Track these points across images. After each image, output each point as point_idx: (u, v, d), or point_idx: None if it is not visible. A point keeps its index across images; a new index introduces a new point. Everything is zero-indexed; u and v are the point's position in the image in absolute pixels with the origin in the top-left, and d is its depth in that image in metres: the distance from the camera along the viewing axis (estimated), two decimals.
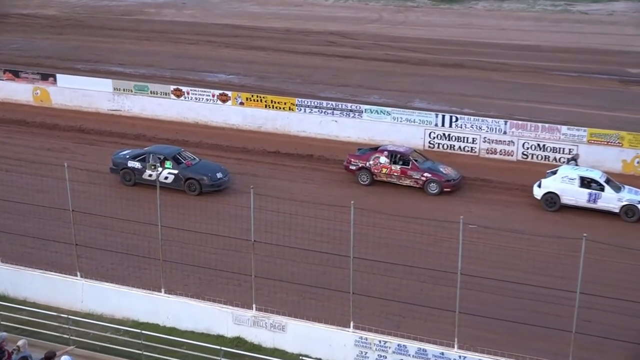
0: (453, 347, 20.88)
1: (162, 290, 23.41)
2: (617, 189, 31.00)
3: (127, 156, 33.71)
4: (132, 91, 43.57)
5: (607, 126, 37.90)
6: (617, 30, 68.97)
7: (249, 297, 22.62)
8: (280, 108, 40.84)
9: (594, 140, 35.85)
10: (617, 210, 30.51)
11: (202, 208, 30.79)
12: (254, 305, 22.49)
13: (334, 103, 40.54)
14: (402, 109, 40.14)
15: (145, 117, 42.69)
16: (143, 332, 21.71)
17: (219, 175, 32.96)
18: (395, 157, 33.65)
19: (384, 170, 33.60)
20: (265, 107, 41.10)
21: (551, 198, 31.30)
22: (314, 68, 53.98)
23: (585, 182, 31.06)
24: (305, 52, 58.77)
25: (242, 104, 41.60)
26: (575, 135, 36.17)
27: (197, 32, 65.29)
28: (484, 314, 22.39)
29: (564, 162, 35.21)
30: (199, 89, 43.12)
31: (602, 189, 30.71)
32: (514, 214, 31.23)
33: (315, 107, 40.26)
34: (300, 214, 28.02)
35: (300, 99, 40.97)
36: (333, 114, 39.92)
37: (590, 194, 30.76)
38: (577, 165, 33.60)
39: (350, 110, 39.81)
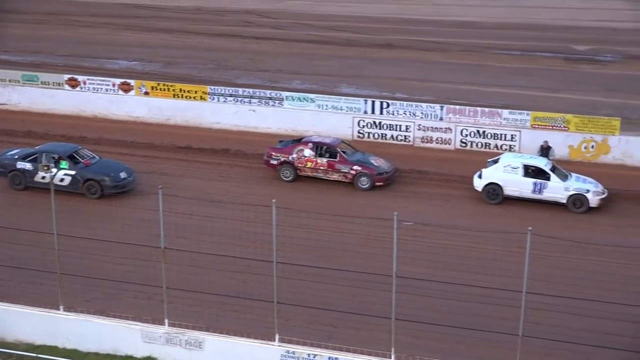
0: (390, 357, 21.13)
1: (61, 307, 23.10)
2: (564, 177, 31.81)
3: (16, 156, 33.17)
4: (19, 82, 42.91)
5: (552, 109, 38.83)
6: (562, 3, 70.46)
7: (160, 311, 22.50)
8: (190, 97, 40.71)
9: (538, 125, 36.70)
10: (564, 201, 31.31)
11: (104, 213, 30.51)
12: (166, 321, 22.39)
13: (251, 91, 40.61)
14: (327, 96, 40.47)
15: (36, 112, 42.05)
16: (39, 356, 21.43)
17: (122, 175, 32.67)
18: (321, 149, 33.88)
19: (309, 165, 33.80)
20: (174, 96, 40.92)
21: (493, 189, 31.93)
22: (228, 52, 53.95)
23: (530, 171, 31.77)
24: (219, 33, 58.69)
25: (147, 93, 41.33)
26: (518, 119, 36.98)
27: (93, 12, 64.53)
28: (424, 320, 22.72)
29: (506, 149, 35.96)
30: (97, 78, 42.71)
31: (548, 178, 31.48)
32: (454, 208, 31.76)
33: (231, 96, 40.25)
34: (217, 216, 27.97)
35: (213, 87, 40.92)
36: (250, 103, 39.98)
37: (535, 184, 31.49)
38: (551, 153, 34.35)
39: (270, 98, 39.93)
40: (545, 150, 34.59)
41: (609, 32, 62.52)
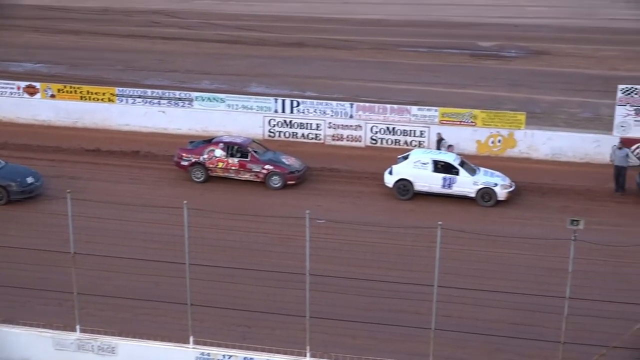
0: (305, 355, 21.10)
1: None
2: (472, 172, 32.29)
3: None
4: None
5: (459, 105, 39.42)
6: (467, 1, 71.61)
7: (71, 317, 22.02)
8: (98, 100, 40.09)
9: (446, 121, 37.16)
10: (473, 195, 31.79)
11: (11, 219, 29.78)
12: (77, 327, 21.93)
13: (160, 91, 40.19)
14: (237, 95, 40.33)
15: None
16: None
17: (29, 180, 31.94)
18: (232, 149, 33.70)
19: (220, 165, 33.58)
20: (81, 99, 40.26)
21: (404, 185, 32.22)
22: (137, 52, 53.30)
23: (439, 167, 32.17)
24: (127, 34, 57.93)
25: (53, 96, 40.55)
26: (427, 115, 37.39)
27: None
28: (339, 317, 22.77)
29: (415, 145, 36.35)
30: (1, 81, 41.68)
31: (457, 173, 31.90)
32: (366, 204, 31.96)
33: (139, 97, 39.77)
34: (128, 219, 27.60)
35: (120, 89, 40.36)
36: (160, 104, 39.57)
37: (444, 179, 31.88)
38: (442, 144, 34.80)
39: (179, 99, 39.57)
40: (438, 143, 35.19)
41: (512, 29, 63.75)
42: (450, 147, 35.07)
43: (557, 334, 20.29)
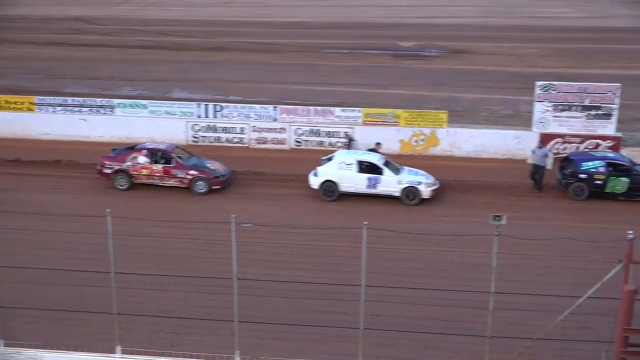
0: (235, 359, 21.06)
1: None
2: (397, 171, 32.57)
3: None
4: None
5: (382, 105, 39.73)
6: (387, 2, 72.20)
7: None
8: (17, 109, 39.38)
9: (370, 121, 37.40)
10: (398, 194, 32.07)
11: None
12: (1, 341, 21.53)
13: (81, 99, 39.69)
14: (160, 101, 40.05)
15: None
16: None
17: None
18: (156, 155, 33.43)
19: (144, 172, 33.28)
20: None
21: (329, 187, 32.35)
22: (57, 60, 52.53)
23: (364, 167, 32.37)
24: (47, 42, 57.06)
25: None
26: (350, 116, 37.59)
27: None
28: (268, 321, 22.72)
29: (340, 146, 36.50)
30: None
31: (381, 173, 32.14)
32: (292, 207, 31.98)
33: (59, 105, 39.20)
34: (51, 230, 27.08)
35: (40, 97, 39.72)
36: (81, 112, 39.06)
37: (369, 179, 32.10)
38: (352, 145, 34.96)
39: (101, 106, 39.10)
40: (348, 144, 35.31)
41: (432, 28, 64.47)
42: (378, 145, 35.21)
43: (484, 329, 20.58)
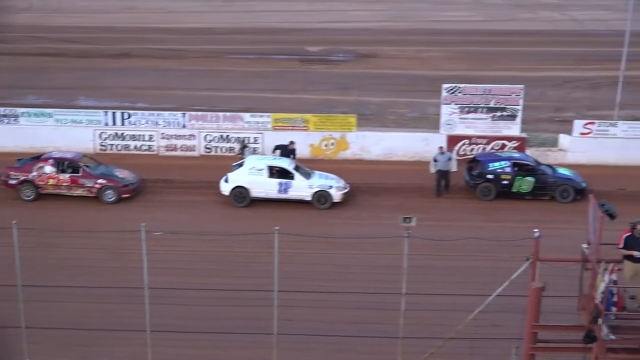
0: None
1: None
2: (307, 175, 32.67)
3: None
4: None
5: (291, 109, 39.73)
6: (291, 7, 72.41)
7: None
8: None
9: (279, 126, 37.41)
10: (309, 198, 32.16)
11: None
12: None
13: None
14: (65, 109, 39.28)
15: None
16: None
17: None
18: (63, 164, 32.83)
19: (51, 181, 32.65)
20: None
21: (240, 192, 32.25)
22: None
23: (274, 172, 32.37)
24: None
25: None
26: (260, 122, 37.54)
27: None
28: (181, 329, 22.57)
29: (236, 153, 36.51)
30: None
31: (292, 178, 32.20)
32: (203, 214, 31.78)
33: None
34: None
35: None
36: None
37: (280, 184, 32.11)
38: (245, 151, 34.81)
39: (4, 116, 38.17)
40: (242, 149, 35.14)
41: (337, 33, 64.88)
42: (291, 143, 35.16)
43: (397, 330, 20.80)
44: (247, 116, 37.84)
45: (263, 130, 37.37)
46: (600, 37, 63.42)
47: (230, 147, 37.18)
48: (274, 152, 34.95)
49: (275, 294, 20.33)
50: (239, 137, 36.73)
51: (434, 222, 29.77)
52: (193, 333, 22.66)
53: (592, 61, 56.25)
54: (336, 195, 32.34)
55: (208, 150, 37.51)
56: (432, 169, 33.78)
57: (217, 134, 37.39)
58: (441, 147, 34.40)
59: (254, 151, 36.41)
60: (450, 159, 33.80)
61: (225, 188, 32.51)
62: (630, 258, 17.69)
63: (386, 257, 25.48)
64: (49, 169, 32.72)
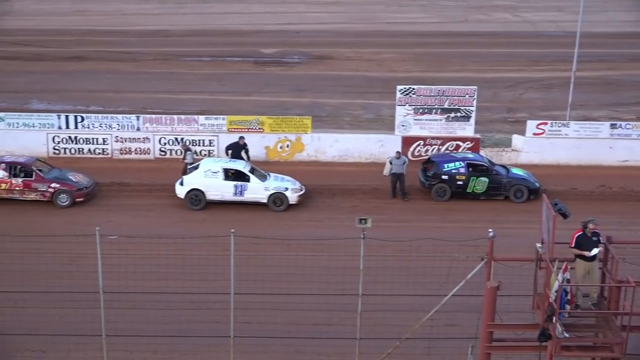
0: None
1: None
2: (263, 177, 32.66)
3: None
4: None
5: (246, 112, 39.77)
6: (246, 9, 72.36)
7: None
8: None
9: (235, 128, 37.33)
10: (265, 201, 32.15)
11: None
12: None
13: None
14: (17, 113, 38.92)
15: None
16: None
17: None
18: (15, 169, 32.49)
19: (3, 186, 32.29)
20: None
21: (196, 195, 32.15)
22: None
23: (230, 174, 32.32)
24: None
25: None
26: (215, 124, 37.44)
27: None
28: (137, 333, 22.44)
29: (205, 155, 36.40)
30: None
31: (248, 180, 32.17)
32: (159, 217, 31.61)
33: None
34: None
35: None
36: None
37: (236, 187, 32.07)
38: (187, 154, 34.55)
39: None
40: (185, 152, 34.87)
41: (293, 35, 64.92)
42: (241, 139, 35.03)
43: (354, 331, 20.89)
44: (202, 119, 37.72)
45: (218, 133, 37.28)
46: (553, 39, 64.32)
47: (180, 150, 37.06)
48: (227, 153, 34.83)
49: (231, 296, 20.33)
50: (182, 139, 36.52)
51: (389, 223, 29.94)
52: (149, 337, 22.54)
53: (544, 62, 56.92)
54: (292, 197, 32.37)
55: (163, 153, 37.34)
56: (386, 172, 33.81)
57: (172, 137, 37.22)
58: (398, 152, 34.41)
59: (210, 154, 36.30)
60: (405, 163, 33.75)
61: (181, 191, 32.38)
62: (582, 257, 17.92)
63: (343, 258, 25.49)
64: (0, 173, 32.35)
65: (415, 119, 37.28)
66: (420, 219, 32.01)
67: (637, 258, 20.31)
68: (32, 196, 32.36)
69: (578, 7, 38.27)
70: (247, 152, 34.63)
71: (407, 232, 28.83)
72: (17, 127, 37.51)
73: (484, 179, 33.56)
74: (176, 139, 37.20)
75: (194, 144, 37.07)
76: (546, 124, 38.05)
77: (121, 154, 37.41)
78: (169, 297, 23.87)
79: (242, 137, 35.08)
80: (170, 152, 37.28)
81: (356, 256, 20.49)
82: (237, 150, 34.54)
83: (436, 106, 37.13)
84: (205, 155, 36.66)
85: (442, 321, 21.09)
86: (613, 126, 38.05)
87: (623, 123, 38.57)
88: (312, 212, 32.46)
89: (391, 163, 33.68)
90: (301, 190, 32.90)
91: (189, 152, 34.77)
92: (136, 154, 37.37)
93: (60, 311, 23.93)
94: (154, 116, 38.27)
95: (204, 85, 49.26)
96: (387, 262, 25.23)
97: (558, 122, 38.28)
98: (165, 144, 37.24)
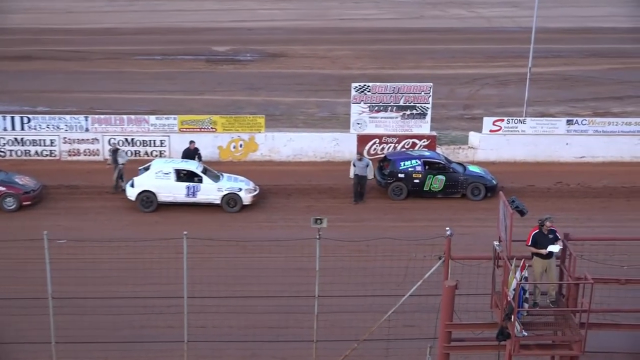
0: None
1: None
2: (216, 178, 32.50)
3: None
4: None
5: (198, 111, 39.59)
6: (198, 6, 72.08)
7: None
8: None
9: (186, 128, 37.11)
10: (218, 202, 32.00)
11: None
12: None
13: None
14: None
15: None
16: None
17: None
18: None
19: None
20: None
21: (147, 197, 31.90)
22: None
23: (182, 175, 32.11)
24: None
25: None
26: (166, 124, 37.20)
27: None
28: (88, 339, 22.20)
29: (157, 155, 36.13)
30: None
31: (200, 181, 31.99)
32: (109, 220, 31.30)
33: None
34: None
35: None
36: None
37: (188, 188, 31.87)
38: (118, 154, 34.15)
39: None
40: (114, 153, 34.45)
41: (246, 32, 64.78)
42: (192, 143, 34.81)
43: (311, 333, 20.85)
44: (152, 119, 37.43)
45: (169, 133, 37.04)
46: (509, 34, 64.86)
47: (136, 151, 36.74)
48: (113, 154, 34.29)
49: (185, 300, 20.18)
50: (111, 140, 36.19)
51: (345, 223, 29.97)
52: (101, 344, 22.32)
53: (500, 58, 57.43)
54: (246, 197, 32.24)
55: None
56: (352, 174, 33.65)
57: (122, 138, 36.88)
58: (359, 154, 34.27)
59: (162, 154, 36.06)
60: (367, 165, 33.48)
61: (131, 193, 32.11)
62: (539, 254, 18.04)
63: (298, 259, 25.42)
64: None
65: (370, 117, 37.34)
66: (376, 218, 32.06)
67: (594, 255, 20.54)
68: None
69: (533, 2, 38.62)
70: (199, 157, 34.29)
71: (363, 232, 28.85)
72: None
73: (441, 177, 33.70)
74: (129, 139, 36.89)
75: (145, 144, 36.78)
76: (502, 120, 38.33)
77: (69, 155, 37.01)
78: (121, 302, 23.62)
79: (192, 142, 34.85)
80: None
81: (312, 257, 20.46)
82: (190, 156, 34.24)
83: (392, 104, 37.22)
84: (156, 156, 36.37)
85: (400, 322, 21.11)
86: (569, 122, 38.43)
87: (579, 119, 38.96)
88: (267, 213, 32.37)
89: (354, 165, 33.39)
90: (255, 190, 32.78)
91: (120, 152, 34.11)
92: (85, 155, 37.01)
93: (8, 318, 23.56)
94: (103, 116, 37.89)
95: (154, 85, 48.95)
96: (343, 262, 25.22)
97: (514, 118, 38.60)
98: (115, 144, 36.85)
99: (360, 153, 34.80)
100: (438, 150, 37.20)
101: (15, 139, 36.88)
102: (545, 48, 51.93)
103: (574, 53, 59.60)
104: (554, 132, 38.19)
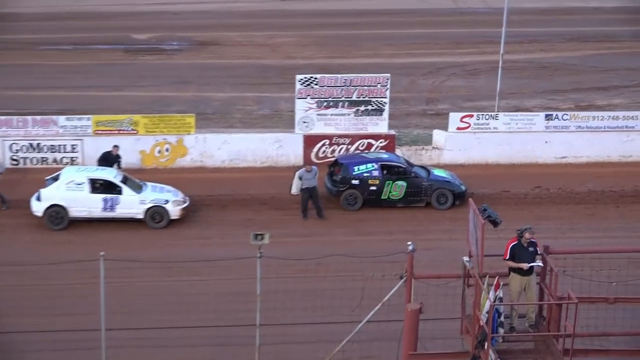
0: None
1: None
2: (138, 188, 32.27)
3: None
4: None
5: (117, 110, 39.27)
6: None
7: None
8: None
9: (103, 130, 36.82)
10: (141, 216, 31.75)
11: None
12: None
13: None
14: None
15: None
16: None
17: None
18: None
19: None
20: None
21: (57, 212, 31.55)
22: None
23: (98, 186, 31.84)
24: None
25: None
26: (78, 126, 36.86)
27: None
28: None
29: (67, 163, 35.82)
30: None
31: (120, 192, 31.75)
32: (10, 240, 30.85)
33: None
34: None
35: None
36: None
37: (105, 200, 31.60)
38: None
39: None
40: None
41: (170, 17, 64.56)
42: (115, 148, 34.56)
43: None
44: (62, 119, 37.08)
45: (82, 136, 36.73)
46: (478, 16, 65.40)
47: (43, 158, 36.43)
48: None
49: (102, 333, 20.00)
50: (12, 145, 35.89)
51: (291, 239, 29.96)
52: None
53: (468, 44, 57.87)
54: (173, 210, 32.08)
55: (15, 163, 36.57)
56: (295, 190, 33.26)
57: (26, 143, 36.52)
58: (309, 166, 33.64)
59: (73, 162, 35.78)
60: (316, 174, 33.20)
61: (38, 208, 31.76)
62: (517, 271, 18.13)
63: (236, 282, 25.48)
64: None
65: (318, 114, 37.36)
66: (327, 232, 32.07)
67: (579, 270, 20.73)
68: None
69: None
70: (119, 164, 34.07)
71: (312, 249, 28.84)
72: None
73: (401, 183, 33.83)
74: (34, 144, 36.52)
75: (54, 150, 36.47)
76: (472, 116, 38.56)
77: None
78: (26, 337, 23.42)
79: (116, 146, 34.60)
80: (25, 161, 36.53)
81: (252, 279, 20.40)
82: (109, 163, 33.99)
83: (343, 98, 37.27)
84: (67, 163, 36.04)
85: (356, 352, 21.18)
86: (548, 117, 38.78)
87: (560, 113, 39.35)
88: (199, 228, 32.23)
89: (301, 178, 33.06)
90: (185, 202, 32.64)
91: None
92: None
93: None
94: (3, 117, 37.46)
95: (64, 80, 48.59)
96: (289, 284, 25.19)
97: (485, 114, 38.83)
98: (17, 151, 36.50)
99: (309, 163, 34.58)
100: (398, 152, 37.33)
101: None
102: (520, 32, 52.60)
103: (552, 37, 60.23)
104: (530, 129, 38.51)
